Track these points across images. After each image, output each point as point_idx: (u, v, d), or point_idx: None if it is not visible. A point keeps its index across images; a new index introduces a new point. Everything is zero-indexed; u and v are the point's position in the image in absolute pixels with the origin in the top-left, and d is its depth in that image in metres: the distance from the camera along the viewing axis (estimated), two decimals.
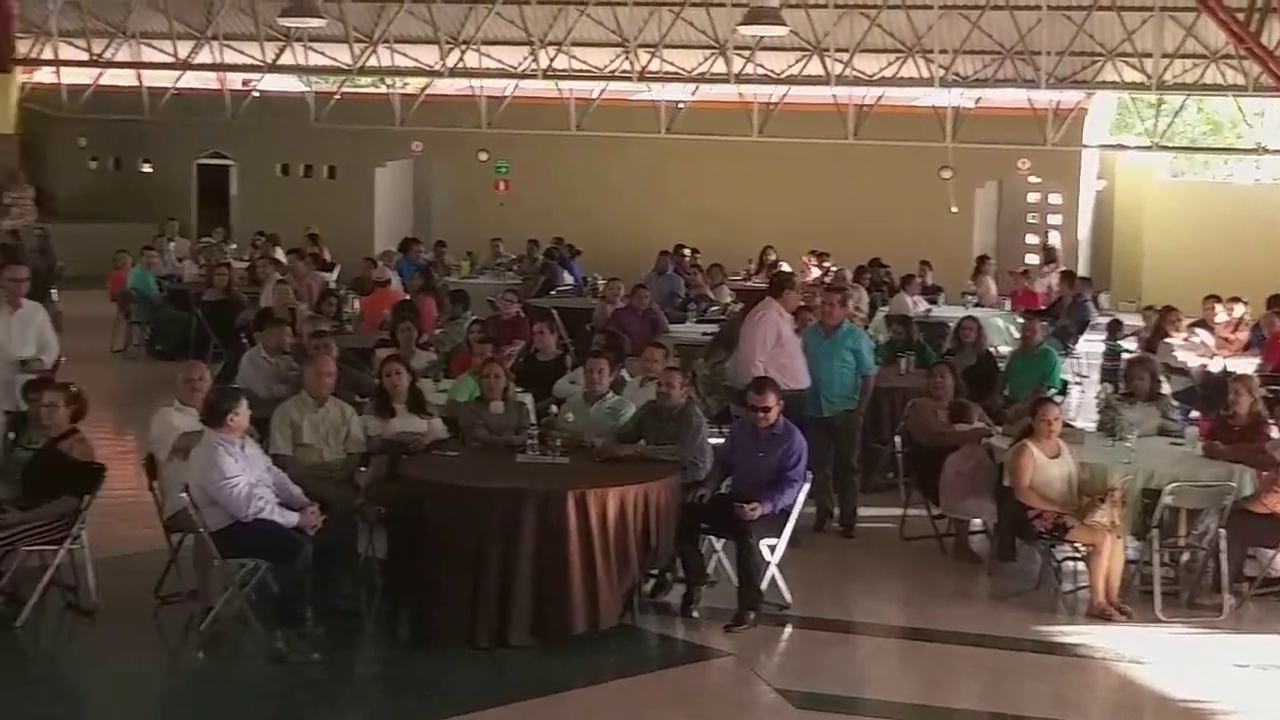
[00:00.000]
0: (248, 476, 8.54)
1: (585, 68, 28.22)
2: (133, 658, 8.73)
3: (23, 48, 29.02)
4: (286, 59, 29.16)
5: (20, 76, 29.40)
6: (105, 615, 9.04)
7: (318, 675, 8.27)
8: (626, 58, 27.52)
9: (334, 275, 21.05)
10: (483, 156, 29.75)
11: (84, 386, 9.74)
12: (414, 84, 30.75)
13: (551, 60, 28.13)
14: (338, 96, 30.14)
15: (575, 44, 27.98)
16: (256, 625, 8.57)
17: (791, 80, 27.12)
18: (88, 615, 9.06)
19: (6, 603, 9.02)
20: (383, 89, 30.65)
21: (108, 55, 29.27)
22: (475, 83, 29.49)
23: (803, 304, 13.31)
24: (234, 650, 8.69)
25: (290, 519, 8.55)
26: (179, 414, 9.48)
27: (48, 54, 29.41)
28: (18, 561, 9.06)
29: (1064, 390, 14.12)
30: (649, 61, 27.38)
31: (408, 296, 16.89)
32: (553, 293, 20.55)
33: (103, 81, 29.92)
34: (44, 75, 30.13)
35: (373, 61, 29.18)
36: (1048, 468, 9.83)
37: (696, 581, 9.41)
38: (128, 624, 9.05)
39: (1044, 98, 26.29)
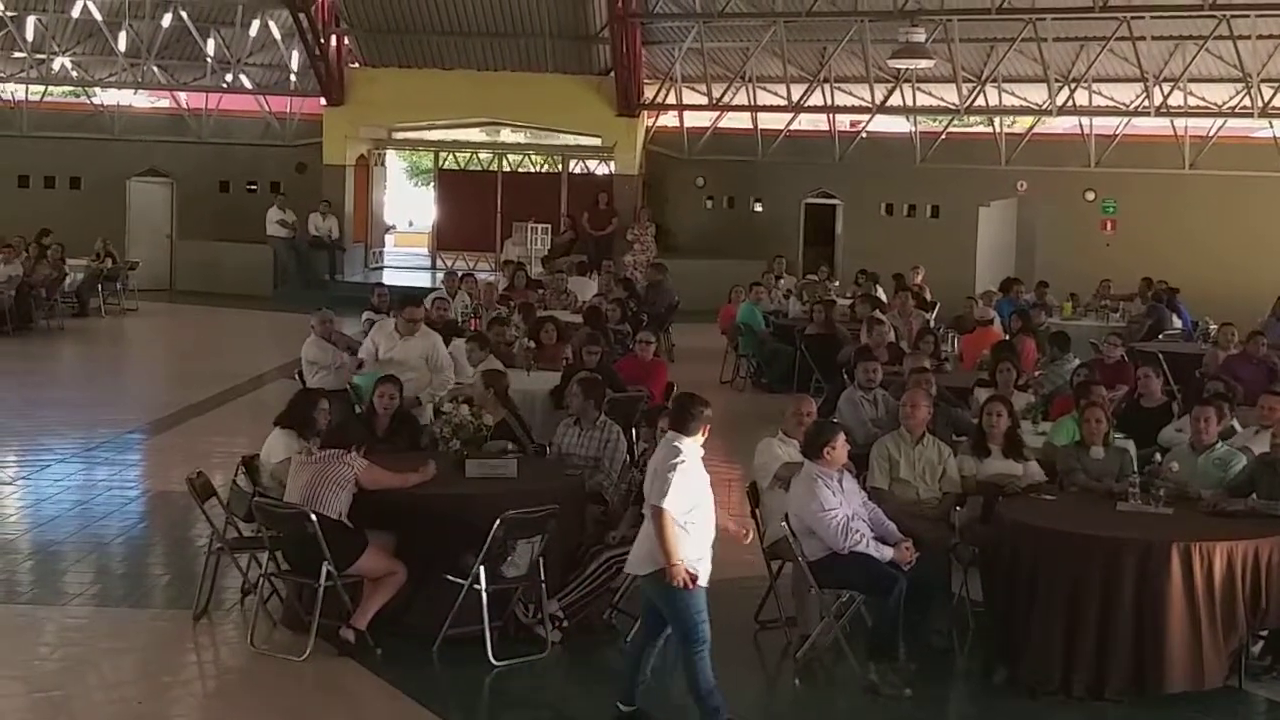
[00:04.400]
0: (845, 509, 8.73)
1: (1201, 104, 27.08)
2: (733, 677, 9.04)
3: (649, 93, 30.79)
4: (895, 100, 29.59)
5: (645, 120, 31.17)
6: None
7: (909, 710, 8.35)
8: (1247, 93, 26.22)
9: (934, 314, 21.15)
10: (1089, 196, 29.11)
11: None
12: (1020, 123, 30.49)
13: (1166, 97, 27.22)
14: (943, 136, 30.30)
15: (1192, 80, 26.95)
16: (851, 656, 8.74)
17: None
18: None
19: (619, 617, 9.60)
20: (989, 128, 30.55)
21: (726, 99, 30.63)
22: (1084, 121, 28.91)
23: None
24: (828, 679, 8.90)
25: (885, 553, 8.67)
26: (782, 445, 9.81)
27: (671, 99, 31.10)
28: (630, 579, 9.62)
29: None
30: (1272, 97, 25.98)
31: (1007, 337, 16.77)
32: (1160, 337, 19.83)
33: (720, 124, 31.30)
34: (667, 119, 31.82)
35: (980, 101, 29.17)
36: None
37: None
38: (728, 645, 9.36)
39: None
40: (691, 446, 7.67)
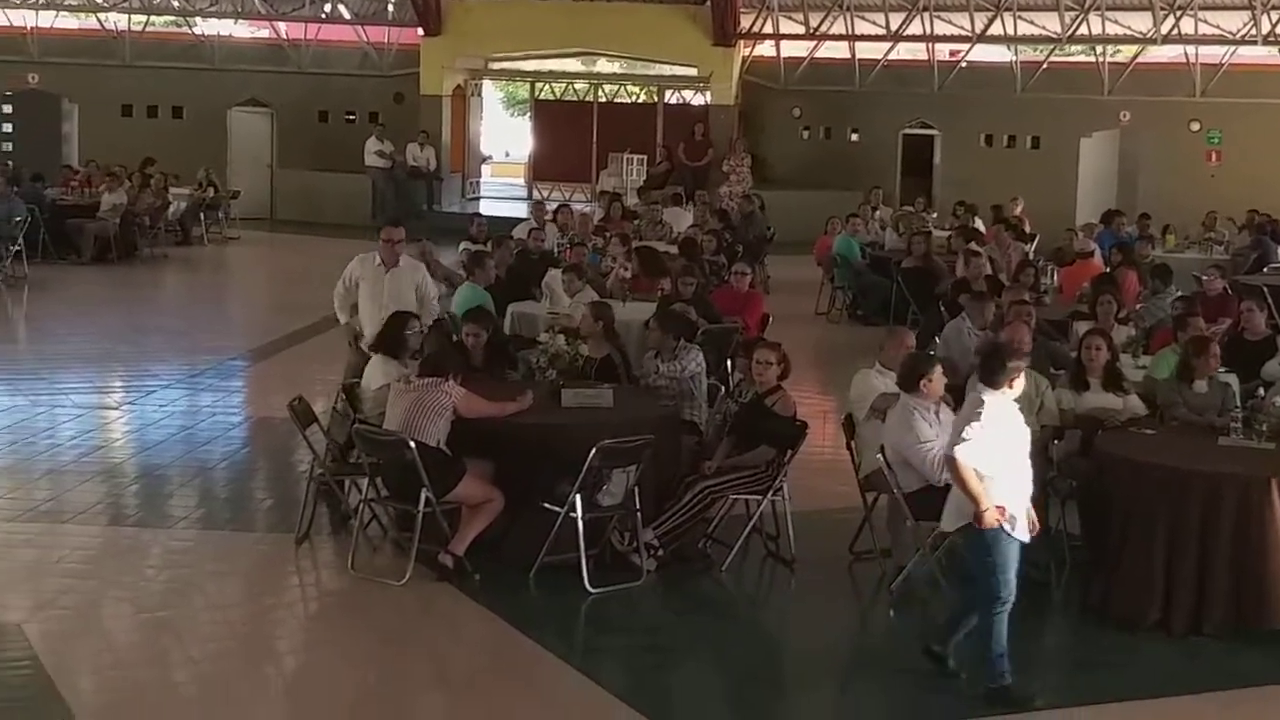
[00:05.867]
0: (941, 441, 8.71)
1: None
2: (827, 608, 9.15)
3: (745, 22, 30.56)
4: (995, 29, 29.17)
5: (742, 50, 30.96)
6: (802, 565, 9.50)
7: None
8: None
9: (1033, 246, 20.91)
10: (1194, 126, 28.61)
11: (790, 346, 10.20)
12: (1124, 52, 29.95)
13: (1275, 25, 26.60)
14: (1044, 66, 29.84)
15: None
16: (946, 588, 8.75)
17: None
18: (787, 564, 9.56)
19: (714, 547, 9.67)
20: (1091, 58, 30.04)
21: (823, 29, 30.34)
22: (1189, 50, 28.36)
23: None
24: (923, 610, 8.90)
25: None
26: (879, 377, 9.79)
27: (768, 28, 30.85)
28: (726, 508, 9.69)
29: None
30: None
31: (1108, 269, 16.56)
32: (1265, 270, 19.50)
33: (817, 54, 31.03)
34: (764, 49, 31.59)
35: (1083, 29, 28.68)
36: None
37: None
38: (823, 576, 9.48)
39: None
40: (996, 399, 7.46)
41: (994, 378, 7.53)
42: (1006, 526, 7.38)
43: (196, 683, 7.62)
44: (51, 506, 10.38)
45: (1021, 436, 7.60)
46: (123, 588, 8.90)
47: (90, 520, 10.14)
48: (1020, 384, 7.59)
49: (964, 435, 7.36)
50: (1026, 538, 7.51)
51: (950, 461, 7.43)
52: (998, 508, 7.34)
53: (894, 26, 29.79)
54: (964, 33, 29.51)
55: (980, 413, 7.42)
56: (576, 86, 34.07)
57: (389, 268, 11.45)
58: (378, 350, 10.14)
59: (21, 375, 15.25)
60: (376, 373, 9.97)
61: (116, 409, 14.27)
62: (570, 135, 32.59)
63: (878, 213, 23.62)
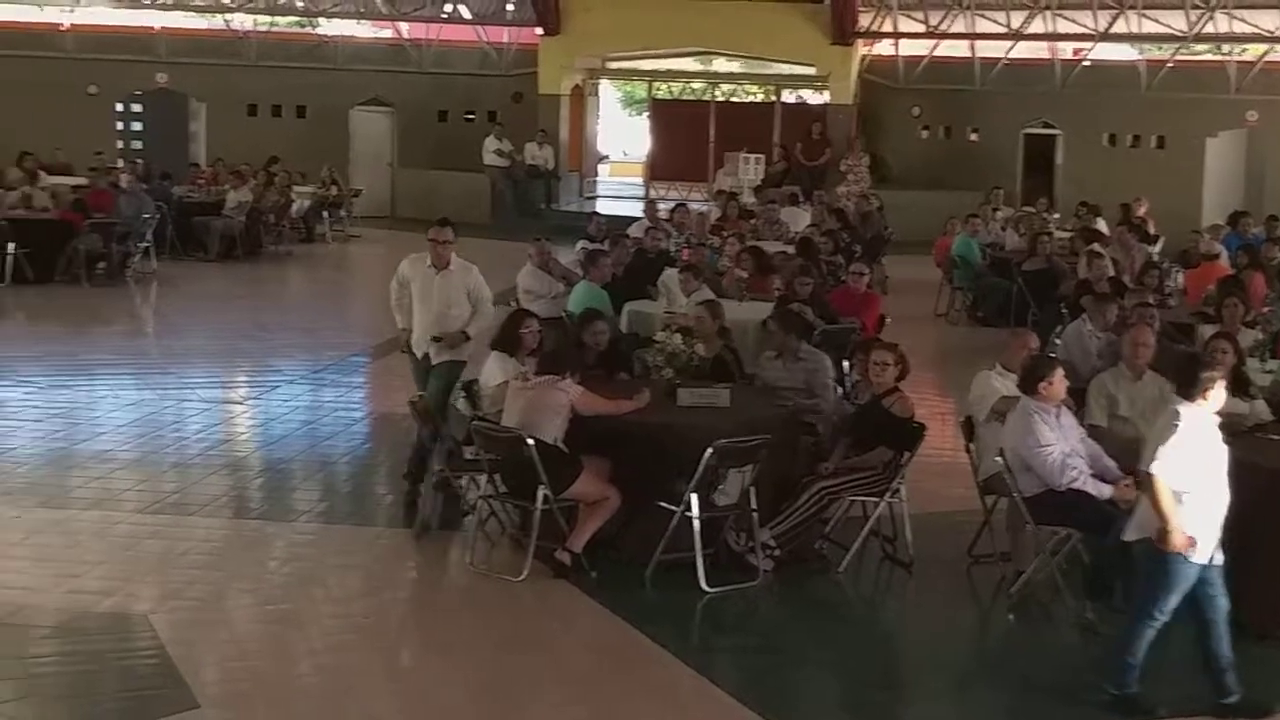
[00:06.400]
0: (1062, 445, 8.61)
1: None
2: (945, 611, 9.07)
3: (864, 21, 30.40)
4: (1119, 27, 28.75)
5: (861, 49, 30.80)
6: (920, 568, 9.44)
7: None
8: None
9: (1157, 247, 20.59)
10: None
11: (908, 348, 10.13)
12: (1251, 50, 29.38)
13: None
14: (1170, 64, 29.36)
15: None
16: (1066, 594, 8.65)
17: None
18: (904, 567, 9.51)
19: (830, 548, 9.64)
20: (1218, 56, 29.50)
21: (943, 27, 30.09)
22: None
23: None
24: (1044, 615, 8.81)
25: (1104, 491, 8.53)
26: (999, 378, 9.69)
27: (887, 27, 30.66)
28: (842, 510, 9.65)
29: None
30: None
31: (1234, 272, 16.26)
32: None
33: (937, 53, 30.79)
34: (882, 48, 31.41)
35: (1209, 28, 28.18)
36: None
37: None
38: (941, 579, 9.40)
39: None
40: (1192, 412, 7.28)
41: (1189, 389, 7.34)
42: (1189, 554, 7.21)
43: (317, 674, 7.73)
44: (178, 499, 10.60)
45: (1220, 451, 7.37)
46: (246, 580, 9.05)
47: (215, 513, 10.34)
48: (1218, 395, 7.37)
49: (1161, 452, 7.13)
50: (1205, 560, 7.29)
51: (1146, 479, 7.24)
52: (1187, 536, 7.14)
53: (1015, 25, 29.47)
54: (1087, 31, 29.12)
55: (1177, 425, 7.21)
56: (694, 85, 34.14)
57: (439, 270, 10.76)
58: (495, 348, 10.19)
59: (150, 370, 15.59)
60: (494, 369, 10.04)
61: (241, 404, 14.53)
62: (687, 134, 32.64)
63: (998, 213, 23.38)
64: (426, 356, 10.77)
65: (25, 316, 18.78)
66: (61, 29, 31.72)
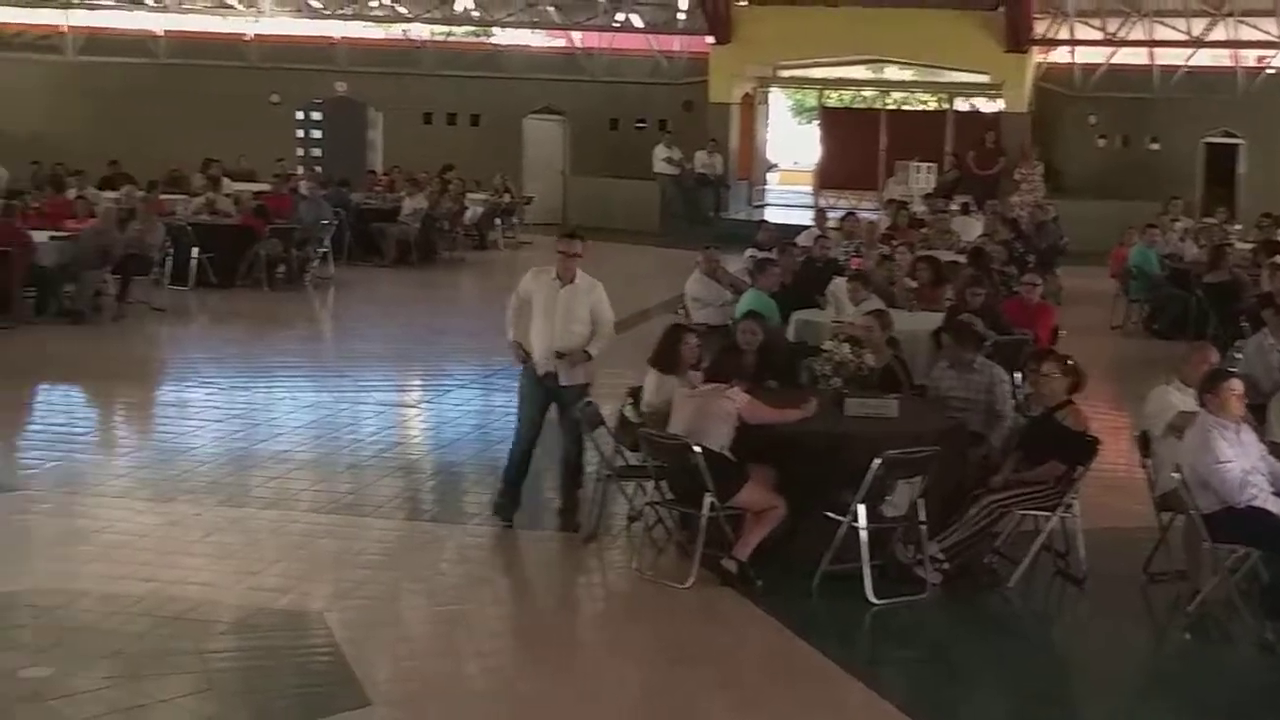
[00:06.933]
0: (1242, 462, 8.41)
1: None
2: (1118, 629, 8.89)
3: (1039, 28, 29.96)
4: None
5: (1035, 56, 30.36)
6: (1093, 585, 9.27)
7: None
8: None
9: None
10: None
11: (1082, 360, 9.97)
12: None
13: None
14: None
15: None
16: (1245, 613, 8.44)
17: None
18: (1077, 583, 9.34)
19: (1001, 563, 9.51)
20: None
21: (1121, 34, 29.53)
22: None
23: None
24: (1221, 635, 8.61)
25: None
26: (1177, 393, 9.48)
27: (1064, 34, 30.17)
28: (1013, 524, 9.51)
29: None
30: None
31: None
32: None
33: (1115, 60, 30.22)
34: (1058, 55, 30.92)
35: None
36: None
37: None
38: (1115, 596, 9.22)
39: None
40: None
41: None
42: None
43: (485, 676, 7.84)
44: (353, 500, 10.81)
45: None
46: (419, 580, 9.20)
47: (389, 514, 10.53)
48: None
49: None
50: None
51: None
52: None
53: (1195, 32, 28.82)
54: (1271, 38, 28.36)
55: None
56: (865, 93, 33.91)
57: (565, 283, 10.28)
58: (654, 365, 9.97)
59: (326, 373, 15.93)
60: (652, 387, 9.89)
61: (414, 407, 14.79)
62: (857, 142, 32.47)
63: (1177, 224, 22.86)
64: (550, 375, 10.18)
65: (208, 319, 19.33)
66: (246, 39, 32.63)
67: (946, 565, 9.14)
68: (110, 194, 22.22)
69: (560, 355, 10.10)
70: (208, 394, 14.46)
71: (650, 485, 9.57)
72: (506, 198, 27.94)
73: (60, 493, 10.69)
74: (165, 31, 32.85)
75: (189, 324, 18.92)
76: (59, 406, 14.34)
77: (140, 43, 32.81)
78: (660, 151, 30.21)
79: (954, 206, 23.79)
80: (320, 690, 7.54)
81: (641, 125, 32.34)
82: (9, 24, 32.96)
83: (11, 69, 32.13)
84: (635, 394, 10.33)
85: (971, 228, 21.58)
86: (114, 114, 30.72)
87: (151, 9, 32.75)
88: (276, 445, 12.38)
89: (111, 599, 8.38)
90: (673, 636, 8.48)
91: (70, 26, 32.68)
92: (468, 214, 26.53)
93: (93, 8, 32.84)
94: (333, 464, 11.89)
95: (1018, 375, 11.61)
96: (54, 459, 11.66)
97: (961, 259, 16.92)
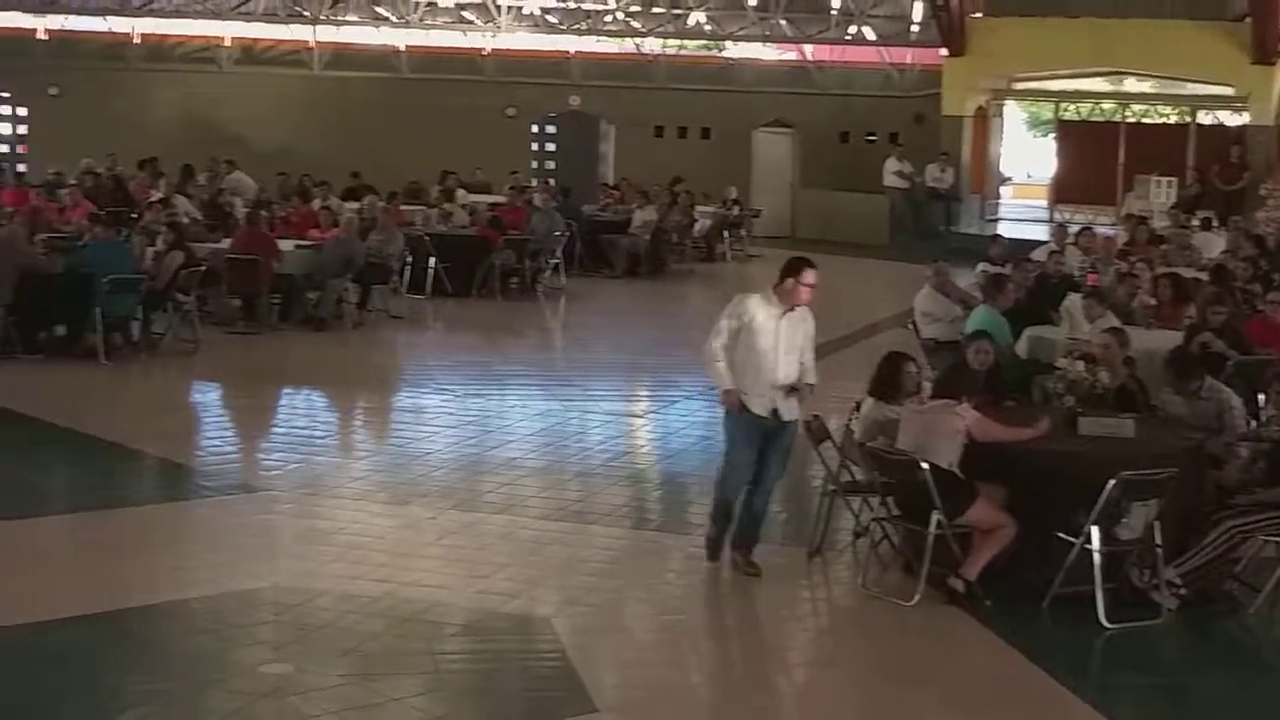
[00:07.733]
0: None
1: None
2: None
3: None
4: None
5: None
6: None
7: None
8: None
9: None
10: None
11: None
12: None
13: None
14: None
15: None
16: None
17: None
18: None
19: (1241, 589, 9.21)
20: None
21: None
22: None
23: None
24: None
25: None
26: None
27: None
28: (1255, 549, 9.21)
29: None
30: None
31: None
32: None
33: None
34: None
35: None
36: None
37: None
38: None
39: None
40: None
41: None
42: None
43: (709, 686, 7.90)
44: (580, 508, 10.95)
45: None
46: (644, 589, 9.30)
47: (615, 522, 10.65)
48: None
49: None
50: None
51: None
52: None
53: None
54: None
55: None
56: (1103, 106, 33.17)
57: (786, 311, 9.71)
58: (873, 394, 9.76)
59: (556, 382, 16.20)
60: (870, 417, 9.68)
61: (641, 417, 14.93)
62: (1095, 156, 31.74)
63: None
64: (774, 413, 9.52)
65: (444, 327, 19.80)
66: (483, 54, 33.36)
67: (1183, 590, 8.89)
68: (352, 205, 22.89)
69: (791, 389, 9.54)
70: (442, 400, 14.80)
71: (876, 500, 9.50)
72: (735, 210, 28.02)
73: (301, 494, 11.05)
74: (406, 47, 33.85)
75: (425, 332, 19.38)
76: (301, 410, 14.85)
77: (383, 58, 33.86)
78: (891, 165, 29.99)
79: (1195, 222, 23.12)
80: (548, 695, 7.67)
81: (872, 138, 32.13)
82: (260, 39, 34.31)
83: (262, 83, 33.41)
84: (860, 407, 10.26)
85: (1213, 244, 20.92)
86: (357, 127, 31.71)
87: (394, 25, 33.70)
88: (507, 452, 12.61)
89: (348, 598, 8.65)
90: (897, 654, 8.42)
91: (317, 42, 33.87)
92: (697, 226, 26.66)
93: (339, 24, 33.97)
94: (561, 471, 12.08)
95: (1260, 396, 11.27)
96: (295, 461, 12.07)
97: (1203, 276, 16.45)
